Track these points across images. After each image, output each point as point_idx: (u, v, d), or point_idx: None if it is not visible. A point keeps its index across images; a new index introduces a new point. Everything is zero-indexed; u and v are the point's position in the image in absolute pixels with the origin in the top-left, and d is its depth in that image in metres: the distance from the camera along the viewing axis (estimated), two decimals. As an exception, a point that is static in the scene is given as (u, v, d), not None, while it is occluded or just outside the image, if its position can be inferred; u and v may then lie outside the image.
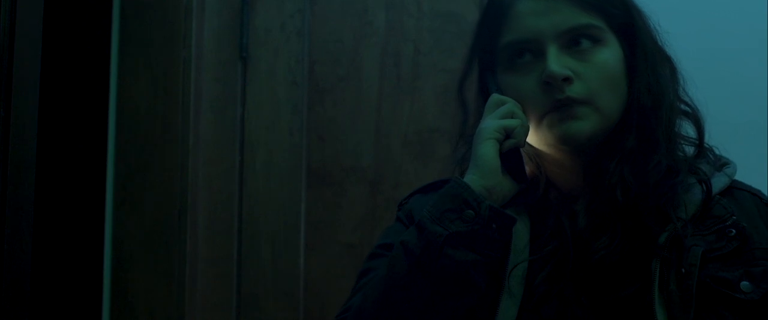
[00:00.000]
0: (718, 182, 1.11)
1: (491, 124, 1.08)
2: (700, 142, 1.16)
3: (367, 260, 1.16)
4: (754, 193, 1.17)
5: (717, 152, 1.17)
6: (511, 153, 1.09)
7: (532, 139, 1.11)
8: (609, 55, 1.10)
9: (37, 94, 1.40)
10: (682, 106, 1.17)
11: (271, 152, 1.98)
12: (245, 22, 2.00)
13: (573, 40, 1.08)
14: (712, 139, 2.02)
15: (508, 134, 1.08)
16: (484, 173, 1.06)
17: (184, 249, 1.83)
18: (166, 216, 1.83)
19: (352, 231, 1.96)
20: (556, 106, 1.07)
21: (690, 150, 1.16)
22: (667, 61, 1.19)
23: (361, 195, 1.98)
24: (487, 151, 1.07)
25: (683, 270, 1.01)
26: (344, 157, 1.99)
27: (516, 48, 1.10)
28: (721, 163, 1.16)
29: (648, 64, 1.13)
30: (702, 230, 1.06)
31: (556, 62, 1.06)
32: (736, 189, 1.15)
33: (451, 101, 2.02)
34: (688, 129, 1.18)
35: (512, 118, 1.08)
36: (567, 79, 1.06)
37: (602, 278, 1.03)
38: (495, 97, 1.11)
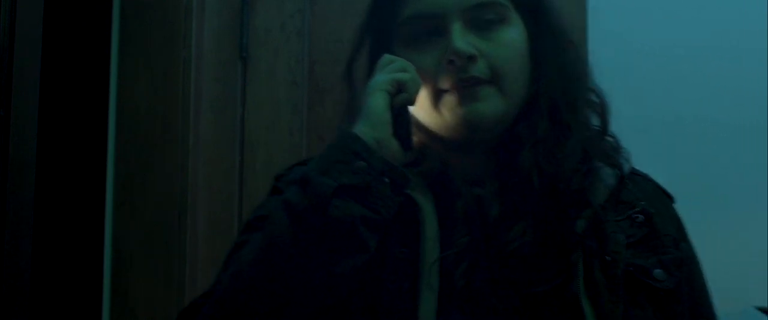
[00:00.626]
0: (624, 167, 1.07)
1: (382, 76, 1.02)
2: (604, 129, 1.10)
3: (241, 233, 1.07)
4: (649, 180, 1.14)
5: (615, 139, 1.11)
6: (401, 113, 1.02)
7: (431, 120, 1.05)
8: (514, 34, 1.05)
9: (37, 94, 1.40)
10: (590, 95, 1.11)
11: (271, 152, 1.97)
12: (245, 22, 1.99)
13: (478, 18, 1.03)
14: (712, 139, 2.02)
15: (399, 88, 1.01)
16: (374, 124, 0.99)
17: (184, 250, 1.82)
18: (166, 216, 1.82)
19: (352, 232, 1.96)
20: (459, 85, 1.01)
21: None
22: (572, 45, 1.12)
23: (361, 195, 1.97)
24: (378, 102, 1.00)
25: (608, 258, 0.97)
26: (344, 157, 1.99)
27: (417, 23, 1.04)
28: (619, 148, 1.11)
29: (557, 47, 1.08)
30: (616, 216, 1.02)
31: (462, 40, 1.01)
32: (635, 175, 1.11)
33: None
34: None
35: (400, 71, 1.02)
36: (472, 58, 1.01)
37: (521, 269, 0.98)
38: (386, 56, 1.05)
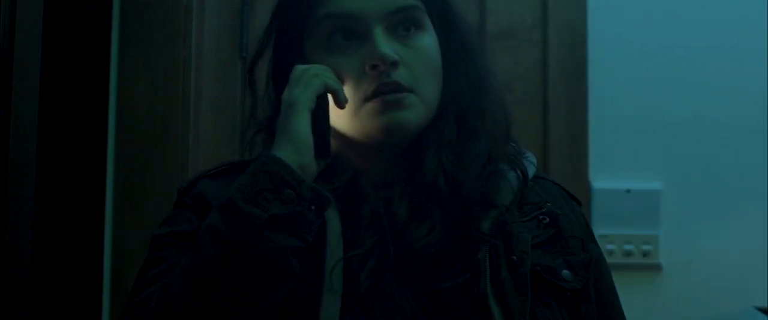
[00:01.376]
0: (529, 170, 1.07)
1: (301, 91, 0.97)
2: (507, 136, 1.09)
3: (153, 249, 1.04)
4: (556, 183, 1.14)
5: (515, 145, 1.10)
6: (319, 119, 0.99)
7: (347, 126, 1.02)
8: (429, 41, 1.03)
9: (37, 94, 1.40)
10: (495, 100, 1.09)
11: (271, 152, 1.97)
12: (245, 22, 1.99)
13: (398, 23, 1.01)
14: (712, 139, 2.02)
15: (318, 98, 0.98)
16: (298, 149, 0.95)
17: (184, 249, 1.83)
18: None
19: (352, 231, 1.96)
20: (382, 91, 0.98)
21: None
22: (482, 54, 1.11)
23: (361, 195, 1.97)
24: (302, 123, 0.96)
25: (514, 258, 0.96)
26: (344, 157, 1.99)
27: (335, 24, 1.01)
28: (523, 154, 1.10)
29: (466, 54, 1.06)
30: (522, 217, 1.02)
31: (386, 45, 0.98)
32: (540, 178, 1.11)
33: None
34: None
35: (322, 83, 0.98)
36: (395, 64, 0.98)
37: (428, 268, 0.96)
38: (298, 67, 1.00)
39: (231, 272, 0.89)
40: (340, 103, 0.99)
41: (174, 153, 1.85)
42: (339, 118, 1.01)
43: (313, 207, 0.93)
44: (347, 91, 1.00)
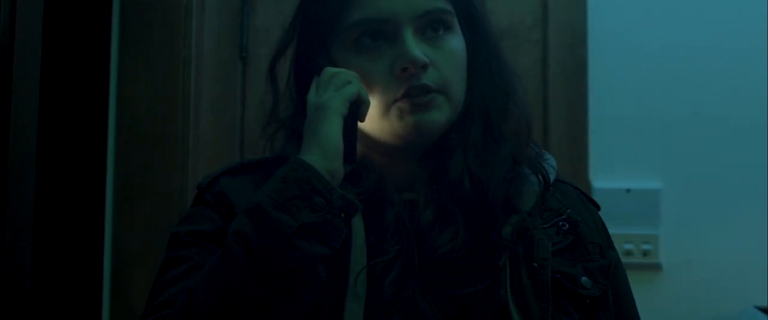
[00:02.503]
0: (550, 174, 1.06)
1: (334, 96, 0.97)
2: (529, 138, 1.08)
3: (173, 247, 1.03)
4: (575, 187, 1.14)
5: (536, 147, 1.10)
6: (349, 127, 0.98)
7: (376, 128, 1.02)
8: (457, 42, 1.03)
9: (37, 94, 1.40)
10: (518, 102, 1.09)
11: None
12: (245, 22, 1.99)
13: (428, 25, 1.01)
14: (712, 139, 2.02)
15: (351, 106, 0.98)
16: (327, 154, 0.94)
17: (184, 249, 1.83)
18: (166, 216, 1.83)
19: (352, 231, 1.96)
20: (410, 93, 0.99)
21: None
22: (505, 56, 1.11)
23: (361, 195, 1.97)
24: (333, 129, 0.95)
25: (535, 265, 0.96)
26: (344, 157, 1.99)
27: (366, 28, 1.00)
28: (543, 157, 1.09)
29: (491, 55, 1.06)
30: (542, 223, 1.02)
31: (416, 47, 0.98)
32: (560, 182, 1.11)
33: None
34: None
35: (356, 91, 0.98)
36: (425, 66, 0.98)
37: (450, 274, 0.96)
38: (328, 69, 1.00)
39: (258, 278, 0.89)
40: (363, 117, 1.00)
41: (174, 153, 1.85)
42: (368, 120, 1.01)
43: (342, 215, 0.92)
44: (376, 92, 1.00)
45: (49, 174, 1.72)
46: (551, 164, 1.08)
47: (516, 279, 0.95)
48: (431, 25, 1.01)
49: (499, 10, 2.03)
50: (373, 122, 1.01)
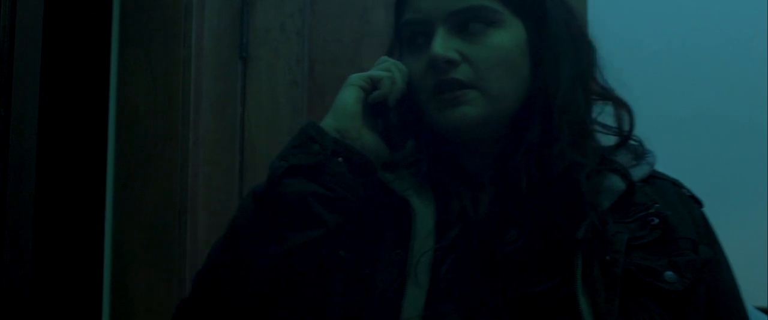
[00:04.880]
0: (639, 171, 1.07)
1: (361, 74, 1.07)
2: (620, 132, 1.11)
3: None
4: (675, 183, 1.14)
5: (640, 143, 1.12)
6: (381, 111, 1.06)
7: (425, 122, 1.08)
8: (505, 37, 1.04)
9: (37, 94, 1.40)
10: (600, 95, 1.11)
11: (271, 152, 1.97)
12: (245, 21, 1.99)
13: (464, 23, 1.04)
14: (712, 138, 2.01)
15: (374, 85, 1.05)
16: (338, 115, 1.04)
17: (184, 249, 1.83)
18: (166, 216, 1.83)
19: (352, 231, 1.96)
20: (441, 88, 1.03)
21: (611, 140, 1.12)
22: (585, 49, 1.12)
23: (361, 195, 1.97)
24: (346, 95, 1.05)
25: (608, 258, 0.97)
26: (344, 157, 1.99)
27: (410, 28, 1.08)
28: (642, 153, 1.12)
29: (556, 50, 1.07)
30: (624, 218, 1.02)
31: (441, 45, 1.02)
32: (656, 178, 1.11)
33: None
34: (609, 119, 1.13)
35: (384, 75, 1.06)
36: (451, 62, 1.02)
37: (517, 269, 0.98)
38: (382, 58, 1.10)
39: (257, 217, 0.98)
40: (393, 102, 1.06)
41: (174, 153, 1.85)
42: (420, 116, 1.07)
43: (340, 160, 0.99)
44: (418, 88, 1.06)
45: (49, 174, 1.72)
46: (649, 161, 1.10)
47: (587, 272, 0.96)
48: (468, 22, 1.04)
49: (499, 10, 2.02)
50: (421, 117, 1.07)
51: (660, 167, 1.17)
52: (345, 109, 1.04)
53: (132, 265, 1.82)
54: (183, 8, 1.88)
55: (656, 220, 1.02)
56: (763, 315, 1.96)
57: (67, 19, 1.78)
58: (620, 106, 1.12)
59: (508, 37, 1.05)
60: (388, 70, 1.06)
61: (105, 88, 1.84)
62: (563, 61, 1.06)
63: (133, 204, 1.83)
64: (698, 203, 1.13)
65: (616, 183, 1.04)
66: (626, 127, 1.11)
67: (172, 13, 1.88)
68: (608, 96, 1.12)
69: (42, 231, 1.65)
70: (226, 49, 1.99)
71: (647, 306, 0.97)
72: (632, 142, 1.11)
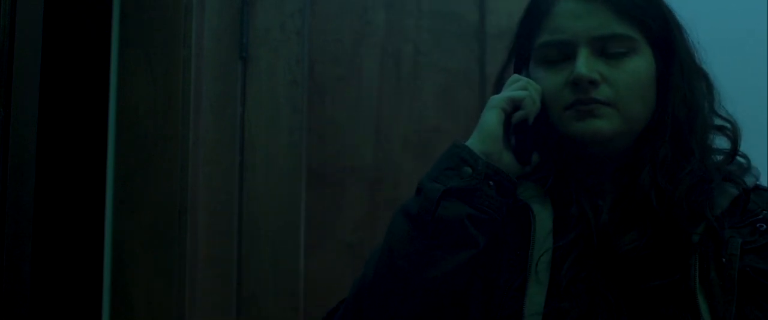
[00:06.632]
0: (748, 181, 1.15)
1: (501, 94, 1.14)
2: (733, 153, 1.20)
3: None
4: None
5: (746, 158, 1.21)
6: (520, 129, 1.13)
7: (554, 135, 1.15)
8: (640, 64, 1.14)
9: (37, 94, 1.40)
10: (719, 120, 1.21)
11: (271, 152, 1.97)
12: (245, 21, 1.99)
13: (605, 47, 1.12)
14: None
15: (516, 106, 1.12)
16: (483, 138, 1.11)
17: (184, 249, 1.83)
18: (166, 216, 1.83)
19: (352, 232, 1.96)
20: (580, 101, 1.11)
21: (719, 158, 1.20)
22: (704, 77, 1.23)
23: (361, 195, 1.97)
24: (490, 118, 1.12)
25: (724, 260, 1.03)
26: (344, 157, 1.99)
27: (551, 48, 1.14)
28: (747, 167, 1.20)
29: (684, 78, 1.17)
30: (737, 224, 1.08)
31: (586, 65, 1.10)
32: (761, 189, 1.18)
33: (452, 101, 2.02)
34: (721, 142, 1.22)
35: (523, 95, 1.12)
36: (593, 82, 1.10)
37: (635, 269, 1.04)
38: (514, 76, 1.16)
39: (414, 238, 1.05)
40: (530, 120, 1.13)
41: (174, 153, 1.85)
42: (549, 130, 1.15)
43: (491, 183, 1.07)
44: (553, 102, 1.13)
45: (49, 175, 1.72)
46: (754, 174, 1.18)
47: (704, 273, 1.03)
48: (611, 48, 1.12)
49: (499, 10, 2.03)
50: (551, 130, 1.15)
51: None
52: (489, 132, 1.11)
53: (132, 265, 1.82)
54: (183, 8, 1.88)
55: (764, 226, 1.09)
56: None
57: (67, 19, 1.78)
58: (733, 127, 1.22)
59: (643, 63, 1.14)
60: (525, 89, 1.13)
61: (105, 88, 1.84)
62: (692, 89, 1.17)
63: (133, 204, 1.83)
64: None
65: (730, 191, 1.12)
66: (734, 144, 1.21)
67: (172, 13, 1.88)
68: (727, 119, 1.22)
69: (42, 231, 1.65)
70: (226, 49, 1.99)
71: (762, 306, 1.03)
72: (739, 158, 1.20)
